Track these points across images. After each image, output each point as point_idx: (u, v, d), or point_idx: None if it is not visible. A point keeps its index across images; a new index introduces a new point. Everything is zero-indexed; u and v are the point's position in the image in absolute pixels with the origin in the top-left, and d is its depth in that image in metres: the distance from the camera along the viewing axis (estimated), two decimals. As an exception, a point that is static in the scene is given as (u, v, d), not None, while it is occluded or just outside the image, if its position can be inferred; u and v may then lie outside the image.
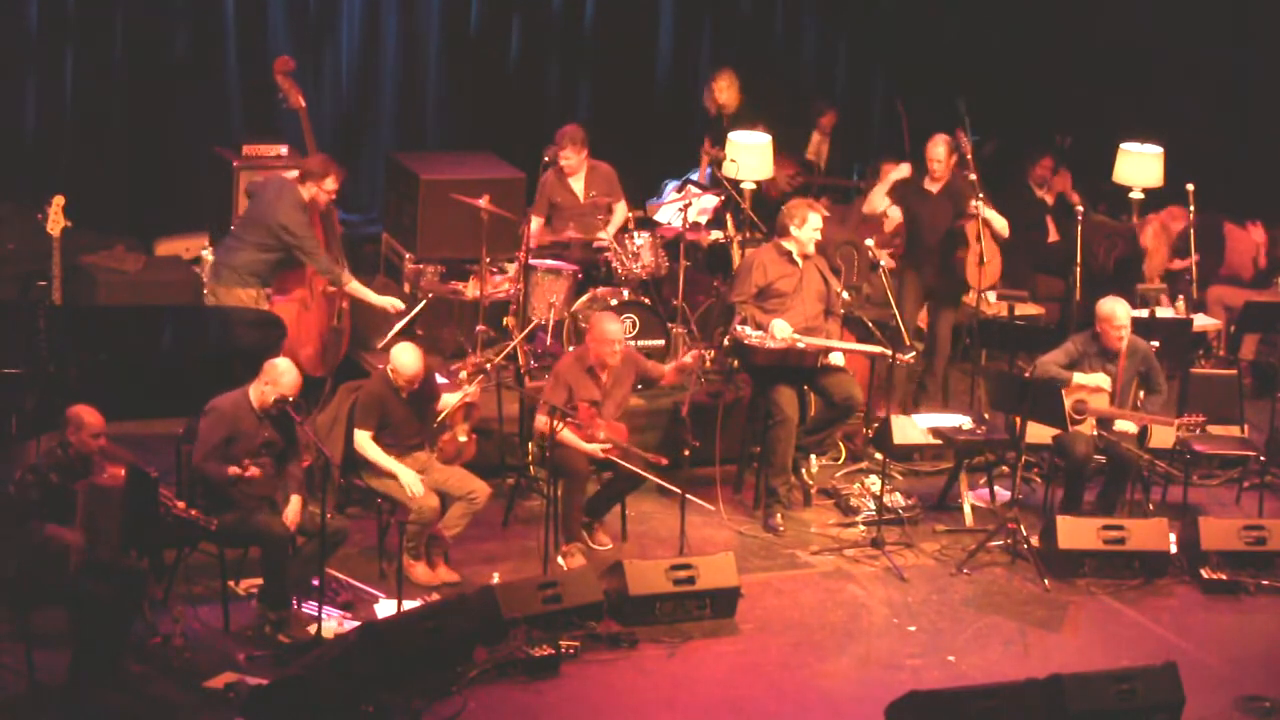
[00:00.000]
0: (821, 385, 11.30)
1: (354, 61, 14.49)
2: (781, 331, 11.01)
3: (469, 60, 14.79)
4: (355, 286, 11.36)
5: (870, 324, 12.18)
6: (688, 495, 10.57)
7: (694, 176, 13.84)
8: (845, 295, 11.64)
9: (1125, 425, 11.03)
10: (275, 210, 11.09)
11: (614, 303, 12.12)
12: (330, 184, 11.24)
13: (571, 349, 11.40)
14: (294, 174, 11.40)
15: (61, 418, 9.09)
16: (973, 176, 12.82)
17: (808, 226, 11.19)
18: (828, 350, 11.19)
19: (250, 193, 11.56)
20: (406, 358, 10.13)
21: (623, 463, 10.58)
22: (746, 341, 11.07)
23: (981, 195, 12.27)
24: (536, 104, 14.85)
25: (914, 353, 11.49)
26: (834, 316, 11.36)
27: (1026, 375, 11.08)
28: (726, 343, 11.55)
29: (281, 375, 9.60)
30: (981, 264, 12.13)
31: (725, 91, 13.96)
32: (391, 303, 11.46)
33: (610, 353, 10.58)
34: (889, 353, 11.26)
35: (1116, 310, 11.05)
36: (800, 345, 11.04)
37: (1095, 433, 11.02)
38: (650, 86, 15.31)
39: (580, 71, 15.20)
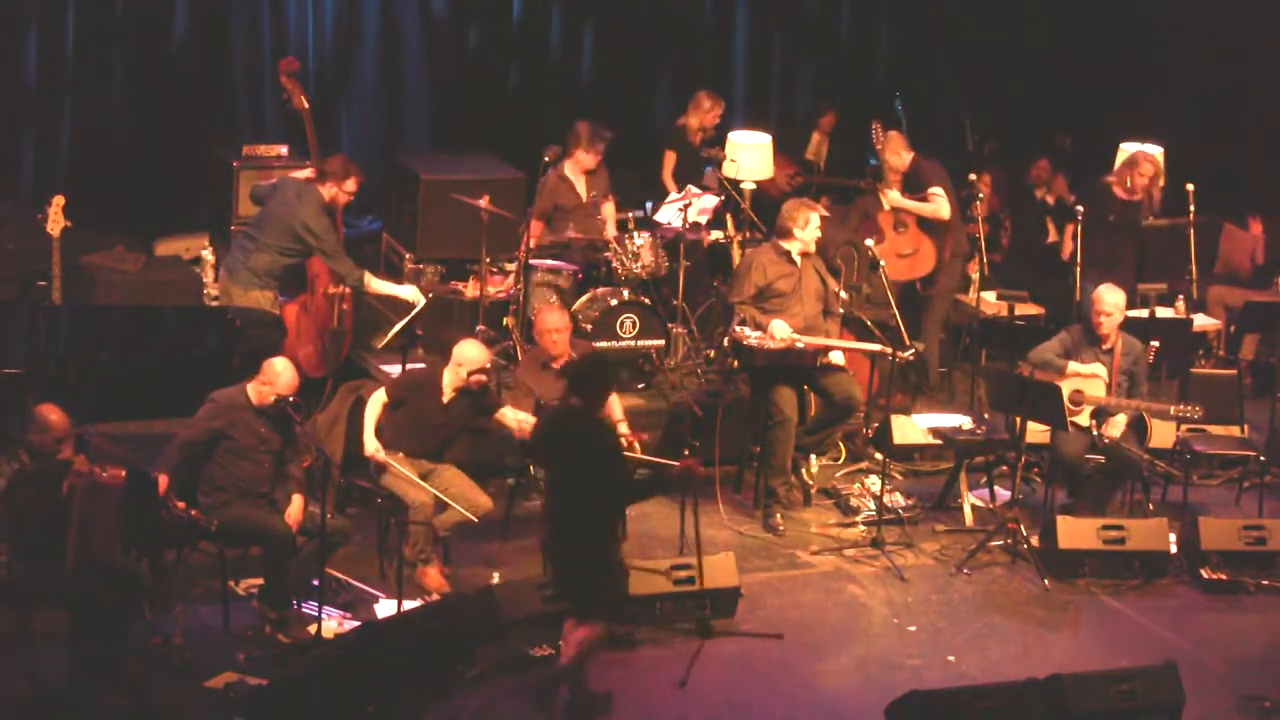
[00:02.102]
0: (821, 385, 11.30)
1: (354, 61, 14.49)
2: (781, 332, 11.01)
3: (470, 61, 14.80)
4: (377, 284, 11.35)
5: (870, 324, 12.17)
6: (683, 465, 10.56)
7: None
8: (843, 295, 11.62)
9: (1115, 428, 11.01)
10: (297, 212, 11.07)
11: (614, 303, 12.13)
12: (351, 185, 11.26)
13: (525, 353, 11.42)
14: (305, 174, 11.40)
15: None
16: (972, 177, 12.86)
17: (810, 227, 11.18)
18: (827, 349, 11.19)
19: (258, 196, 11.55)
20: (471, 350, 10.18)
21: None
22: (746, 342, 11.06)
23: (975, 190, 12.39)
24: (537, 104, 14.85)
25: (913, 350, 11.48)
26: (833, 316, 11.37)
27: (1026, 372, 11.08)
28: (726, 343, 11.54)
29: (279, 375, 9.64)
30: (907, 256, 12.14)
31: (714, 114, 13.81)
32: (413, 291, 11.44)
33: (551, 342, 10.62)
34: (889, 350, 11.25)
35: (1104, 295, 11.10)
36: (800, 345, 11.04)
37: (1095, 433, 11.01)
38: (650, 92, 15.34)
39: (579, 62, 15.21)
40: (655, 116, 15.38)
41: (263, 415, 9.65)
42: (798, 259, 11.21)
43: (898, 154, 12.74)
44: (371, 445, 10.06)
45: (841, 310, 11.53)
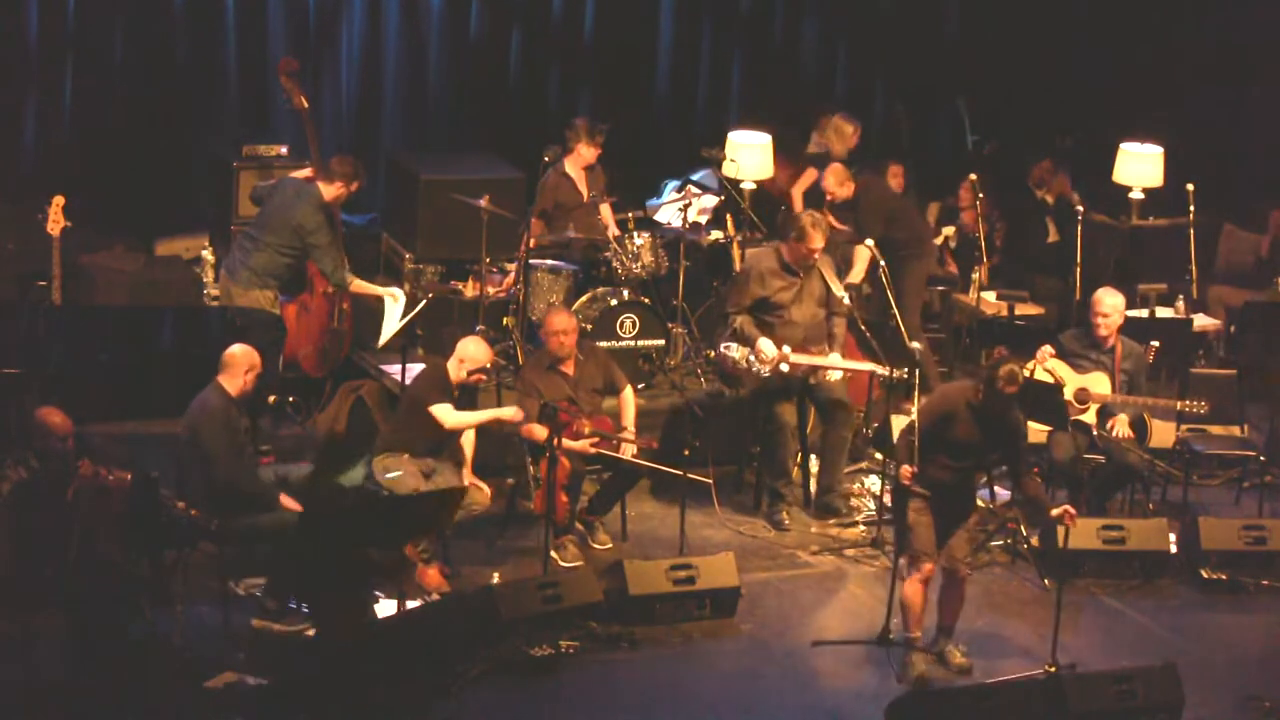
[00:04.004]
0: (815, 397, 11.25)
1: (354, 61, 14.47)
2: (768, 351, 10.92)
3: (470, 60, 14.78)
4: (358, 284, 11.38)
5: (863, 327, 11.98)
6: (688, 475, 10.55)
7: (695, 177, 13.81)
8: (846, 300, 11.40)
9: (1122, 426, 11.00)
10: (294, 210, 11.09)
11: (614, 303, 12.13)
12: (355, 186, 11.30)
13: (530, 354, 11.42)
14: (304, 173, 11.41)
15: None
16: (973, 176, 12.84)
17: (812, 240, 10.99)
18: (817, 368, 11.09)
19: (259, 197, 11.55)
20: (474, 348, 10.27)
21: (612, 454, 10.58)
22: (732, 368, 11.00)
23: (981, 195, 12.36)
24: (537, 104, 14.83)
25: (911, 352, 11.32)
26: (838, 317, 11.27)
27: (1028, 374, 11.05)
28: (713, 355, 11.42)
29: (250, 356, 9.68)
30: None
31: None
32: (391, 292, 11.47)
33: (558, 344, 10.62)
34: (882, 369, 11.14)
35: (1103, 297, 11.11)
36: (784, 367, 10.95)
37: (1097, 432, 11.01)
38: (651, 87, 15.30)
39: (581, 70, 15.18)
40: (655, 117, 15.35)
41: (242, 404, 9.67)
42: (799, 271, 11.12)
43: (844, 186, 12.66)
44: (511, 410, 10.30)
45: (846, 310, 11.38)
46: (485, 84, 14.70)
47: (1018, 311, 13.16)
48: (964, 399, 9.47)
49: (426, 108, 14.67)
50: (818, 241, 11.05)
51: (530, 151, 13.06)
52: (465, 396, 10.35)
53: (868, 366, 11.29)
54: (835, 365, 11.21)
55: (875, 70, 15.91)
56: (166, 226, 13.50)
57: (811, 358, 11.07)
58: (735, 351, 11.02)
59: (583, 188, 12.65)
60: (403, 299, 11.38)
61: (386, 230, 13.44)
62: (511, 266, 12.34)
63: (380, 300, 11.52)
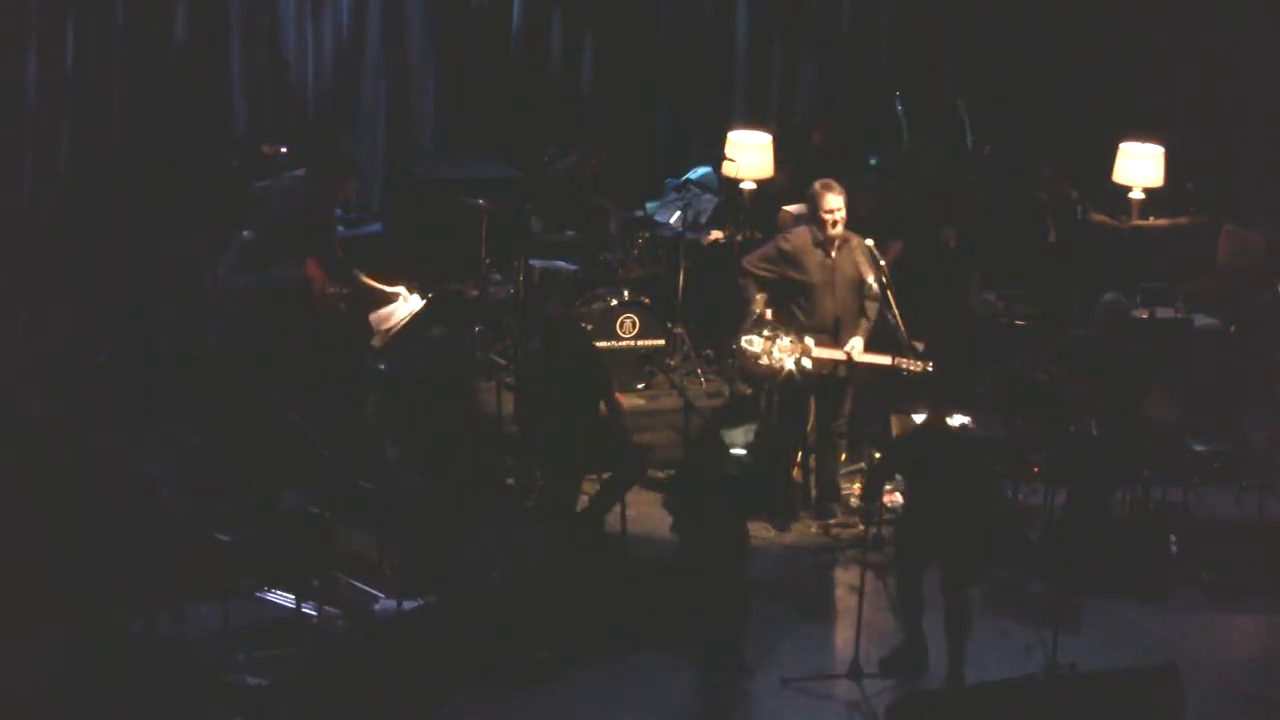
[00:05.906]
0: (823, 403, 11.20)
1: (354, 61, 14.48)
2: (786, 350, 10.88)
3: (470, 60, 14.79)
4: (367, 282, 11.39)
5: (897, 314, 11.84)
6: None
7: (693, 176, 13.83)
8: (875, 287, 11.24)
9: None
10: (291, 208, 11.10)
11: (614, 303, 12.14)
12: (350, 184, 11.31)
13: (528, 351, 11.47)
14: (300, 172, 11.43)
15: None
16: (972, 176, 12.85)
17: (832, 204, 10.86)
18: (840, 362, 11.01)
19: (257, 196, 11.57)
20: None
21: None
22: (754, 366, 10.88)
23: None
24: (537, 104, 14.84)
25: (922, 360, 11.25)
26: (870, 299, 11.05)
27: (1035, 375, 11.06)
28: (737, 346, 11.29)
29: None
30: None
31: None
32: (401, 292, 11.47)
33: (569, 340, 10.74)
34: (904, 363, 10.95)
35: (1105, 298, 11.15)
36: (806, 363, 10.86)
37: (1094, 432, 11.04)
38: (651, 85, 15.31)
39: (581, 69, 15.21)
40: (655, 116, 15.37)
41: None
42: (832, 250, 10.97)
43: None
44: None
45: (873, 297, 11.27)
46: (484, 83, 14.73)
47: (1017, 312, 13.16)
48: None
49: (425, 105, 14.70)
50: (832, 201, 10.87)
51: (531, 150, 13.07)
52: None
53: (885, 361, 11.02)
54: (857, 359, 10.94)
55: (876, 73, 15.94)
56: (167, 227, 13.49)
57: (832, 352, 10.95)
58: (757, 345, 10.92)
59: (585, 188, 12.66)
60: (414, 299, 11.36)
61: (387, 231, 13.44)
62: (512, 266, 12.36)
63: (388, 299, 11.52)
